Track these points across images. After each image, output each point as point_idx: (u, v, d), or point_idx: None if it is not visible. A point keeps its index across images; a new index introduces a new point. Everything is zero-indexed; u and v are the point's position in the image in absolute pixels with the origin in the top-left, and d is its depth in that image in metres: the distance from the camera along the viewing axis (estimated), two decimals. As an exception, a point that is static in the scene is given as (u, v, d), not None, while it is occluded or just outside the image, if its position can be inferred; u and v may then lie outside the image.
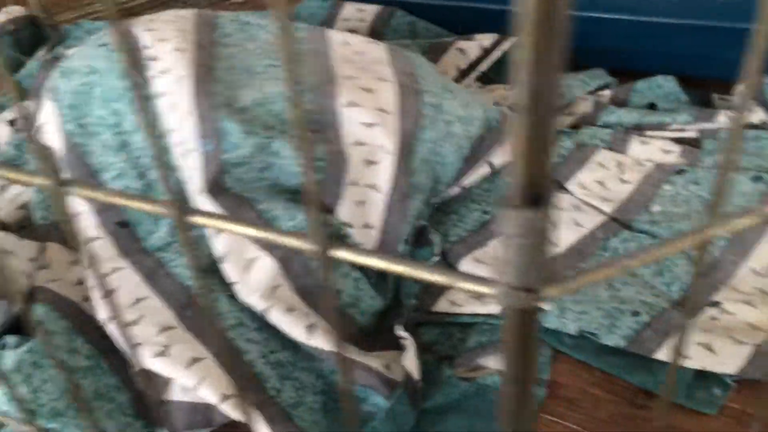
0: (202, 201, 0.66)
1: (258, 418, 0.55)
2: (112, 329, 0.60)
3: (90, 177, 0.73)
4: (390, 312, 0.69)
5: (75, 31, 1.20)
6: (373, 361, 0.62)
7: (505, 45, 0.98)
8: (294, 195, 0.70)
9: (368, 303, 0.67)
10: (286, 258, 0.64)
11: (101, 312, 0.62)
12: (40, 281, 0.65)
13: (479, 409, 0.62)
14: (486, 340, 0.68)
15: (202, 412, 0.58)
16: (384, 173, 0.72)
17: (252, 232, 0.22)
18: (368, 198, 0.72)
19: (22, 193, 0.81)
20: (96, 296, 0.63)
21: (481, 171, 0.81)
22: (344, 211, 0.71)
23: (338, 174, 0.71)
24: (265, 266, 0.62)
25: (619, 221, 0.78)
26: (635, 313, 0.66)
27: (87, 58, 0.78)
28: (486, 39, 0.98)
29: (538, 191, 0.18)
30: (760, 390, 0.61)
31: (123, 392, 0.61)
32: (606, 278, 0.21)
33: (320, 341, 0.59)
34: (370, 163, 0.73)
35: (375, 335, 0.67)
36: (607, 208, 0.79)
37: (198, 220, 0.22)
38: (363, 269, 0.69)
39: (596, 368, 0.65)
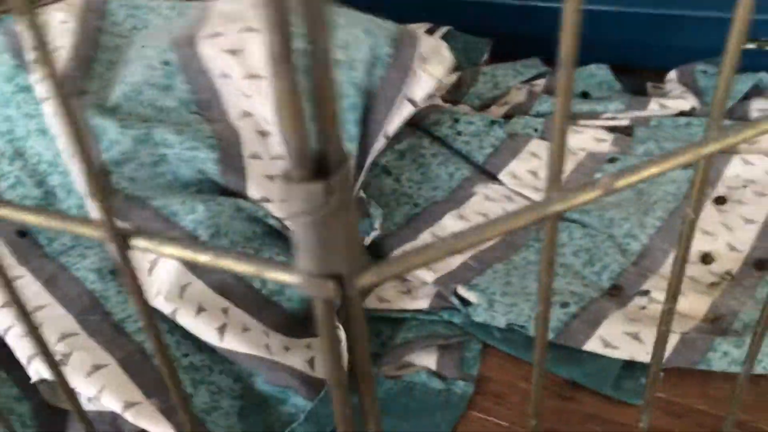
0: (90, 205, 0.62)
1: (166, 425, 0.52)
2: (10, 340, 0.56)
3: None
4: None
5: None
6: (297, 357, 0.60)
7: (438, 34, 0.97)
8: (198, 185, 0.67)
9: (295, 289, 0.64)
10: None
11: None
12: None
13: (407, 408, 0.60)
14: (413, 336, 0.66)
15: (109, 421, 0.55)
16: (280, 144, 0.70)
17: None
18: (277, 169, 0.69)
19: None
20: None
21: (404, 112, 0.73)
22: (255, 188, 0.68)
23: (235, 150, 0.68)
24: (168, 265, 0.58)
25: (551, 211, 0.77)
26: (564, 305, 0.65)
27: None
28: (419, 28, 0.97)
29: (323, 159, 0.16)
30: (686, 379, 0.60)
31: (24, 403, 0.58)
32: (427, 261, 0.19)
33: (233, 343, 0.56)
34: (264, 134, 0.70)
35: (305, 320, 0.65)
36: (539, 197, 0.78)
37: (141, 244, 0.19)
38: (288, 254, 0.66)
39: (525, 362, 0.64)
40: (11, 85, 0.70)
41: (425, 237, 0.74)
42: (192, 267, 0.59)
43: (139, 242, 0.20)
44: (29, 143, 0.69)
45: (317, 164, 0.16)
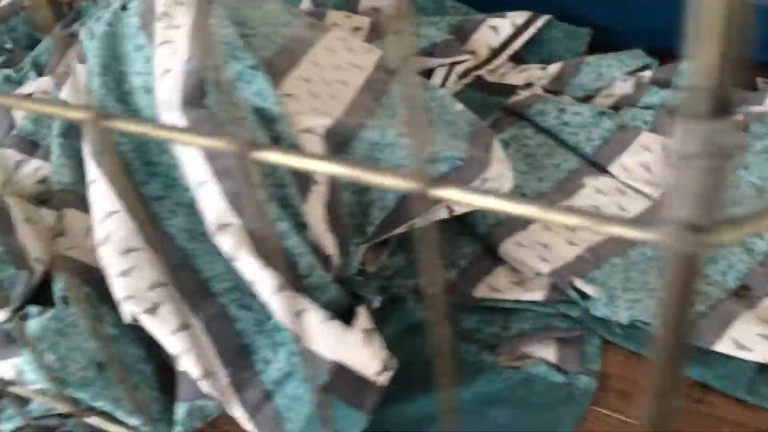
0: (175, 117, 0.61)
1: (236, 401, 0.52)
2: (110, 278, 0.56)
3: None
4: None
5: (91, 9, 1.17)
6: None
7: (538, 23, 0.94)
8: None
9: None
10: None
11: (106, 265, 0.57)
12: (59, 248, 0.61)
13: (526, 400, 0.59)
14: (530, 328, 0.64)
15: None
16: None
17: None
18: None
19: (41, 167, 0.77)
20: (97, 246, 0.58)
21: None
22: None
23: None
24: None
25: (666, 206, 0.74)
26: (690, 302, 0.62)
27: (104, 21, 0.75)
28: (518, 17, 0.94)
29: (726, 98, 0.14)
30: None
31: (148, 364, 0.58)
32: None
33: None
34: None
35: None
36: (653, 192, 0.75)
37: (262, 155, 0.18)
38: None
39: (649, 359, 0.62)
40: (131, 44, 0.71)
41: (535, 228, 0.72)
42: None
43: (260, 154, 0.19)
44: (133, 98, 0.69)
45: (721, 103, 0.14)
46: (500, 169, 0.68)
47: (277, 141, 0.63)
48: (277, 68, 0.67)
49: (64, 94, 0.81)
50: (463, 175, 0.68)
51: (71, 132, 0.74)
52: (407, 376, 0.62)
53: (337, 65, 0.71)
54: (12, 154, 0.80)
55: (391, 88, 0.72)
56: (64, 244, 0.62)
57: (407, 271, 0.71)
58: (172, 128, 0.21)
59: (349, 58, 0.73)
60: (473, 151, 0.68)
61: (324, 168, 0.19)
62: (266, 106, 0.62)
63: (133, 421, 0.53)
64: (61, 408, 0.38)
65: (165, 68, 0.65)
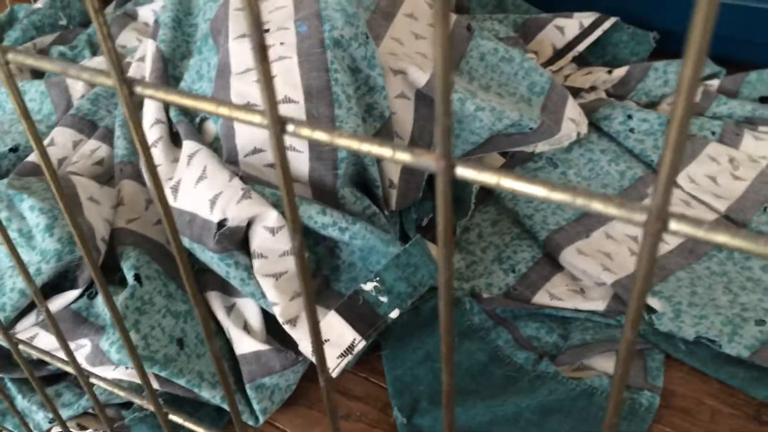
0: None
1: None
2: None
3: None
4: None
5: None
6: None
7: (605, 25, 0.92)
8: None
9: None
10: None
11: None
12: (119, 220, 0.61)
13: (587, 412, 0.57)
14: (590, 339, 0.63)
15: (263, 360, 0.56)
16: None
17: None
18: None
19: (99, 148, 0.77)
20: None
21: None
22: None
23: None
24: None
25: (734, 220, 0.72)
26: (760, 322, 0.60)
27: None
28: (586, 18, 0.92)
29: None
30: None
31: (219, 338, 0.58)
32: None
33: None
34: None
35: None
36: (720, 205, 0.73)
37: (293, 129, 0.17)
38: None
39: (713, 378, 0.60)
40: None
41: (597, 236, 0.71)
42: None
43: (293, 128, 0.19)
44: (199, 46, 0.70)
45: None
46: (568, 130, 0.76)
47: (371, 109, 0.64)
48: (374, 31, 0.68)
49: (132, 70, 0.81)
50: (528, 139, 0.74)
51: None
52: (463, 381, 0.61)
53: (419, 27, 0.73)
54: (70, 134, 0.80)
55: (472, 46, 0.74)
56: (124, 214, 0.62)
57: (466, 273, 0.70)
58: (201, 98, 0.21)
59: (429, 19, 0.74)
60: (545, 116, 0.74)
61: (353, 145, 0.19)
62: (372, 75, 0.63)
63: (217, 394, 0.53)
64: (133, 397, 0.37)
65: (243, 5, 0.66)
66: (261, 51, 0.18)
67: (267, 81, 0.19)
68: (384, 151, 0.19)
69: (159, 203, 0.24)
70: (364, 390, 0.62)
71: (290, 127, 0.20)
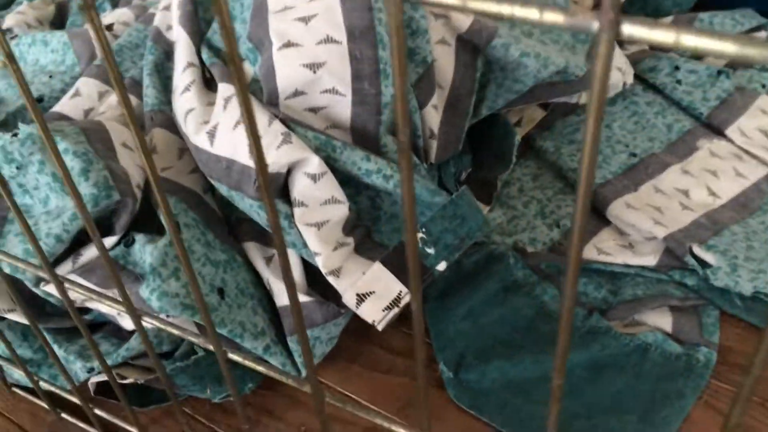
0: None
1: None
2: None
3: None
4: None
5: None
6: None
7: (648, -25, 0.88)
8: None
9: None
10: None
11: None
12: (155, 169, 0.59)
13: (641, 368, 0.55)
14: (642, 294, 0.60)
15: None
16: None
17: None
18: None
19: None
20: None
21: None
22: None
23: None
24: None
25: (788, 175, 0.69)
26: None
27: None
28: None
29: None
30: None
31: (259, 289, 0.56)
32: None
33: None
34: None
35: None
36: (772, 159, 0.70)
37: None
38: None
39: (771, 335, 0.58)
40: None
41: (646, 189, 0.68)
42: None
43: None
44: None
45: None
46: (614, 79, 0.74)
47: (413, 53, 0.61)
48: None
49: (158, 20, 0.78)
50: (573, 87, 0.71)
51: (165, 59, 0.72)
52: (509, 336, 0.59)
53: None
54: (95, 84, 0.77)
55: None
56: (157, 162, 0.60)
57: (508, 228, 0.68)
58: None
59: None
60: (590, 64, 0.70)
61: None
62: (415, 16, 0.60)
63: (259, 345, 0.52)
64: (184, 334, 0.35)
65: None
66: None
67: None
68: (529, 12, 0.16)
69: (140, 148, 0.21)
70: (407, 345, 0.60)
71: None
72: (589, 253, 0.64)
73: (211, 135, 0.56)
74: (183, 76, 0.63)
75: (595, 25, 0.15)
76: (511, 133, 0.72)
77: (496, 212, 0.70)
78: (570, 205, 0.69)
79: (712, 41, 0.14)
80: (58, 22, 0.98)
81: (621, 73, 0.75)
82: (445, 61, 0.66)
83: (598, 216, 0.67)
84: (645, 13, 0.91)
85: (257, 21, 0.60)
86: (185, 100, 0.61)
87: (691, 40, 0.15)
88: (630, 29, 0.15)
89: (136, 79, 0.76)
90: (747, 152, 0.71)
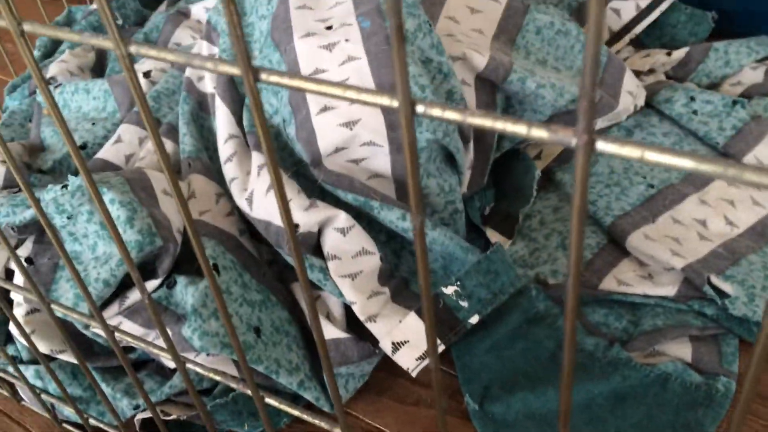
0: None
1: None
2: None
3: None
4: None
5: (195, -14, 1.19)
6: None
7: (663, 6, 0.90)
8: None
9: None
10: None
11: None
12: (192, 212, 0.63)
13: (661, 398, 0.57)
14: (662, 324, 0.62)
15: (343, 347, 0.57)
16: None
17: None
18: None
19: (164, 143, 0.79)
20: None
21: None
22: None
23: None
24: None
25: (805, 203, 0.70)
26: (839, 305, 0.59)
27: None
28: (642, -1, 0.91)
29: None
30: None
31: (294, 326, 0.59)
32: None
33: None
34: None
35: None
36: (791, 187, 0.71)
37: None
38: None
39: (791, 363, 0.59)
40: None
41: (664, 221, 0.70)
42: None
43: (422, 109, 0.20)
44: (258, 45, 0.71)
45: None
46: (626, 103, 0.77)
47: (451, 94, 0.64)
48: (428, 11, 0.68)
49: (189, 71, 0.82)
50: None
51: (199, 109, 0.76)
52: (532, 368, 0.61)
53: (475, 1, 0.74)
54: (135, 131, 0.82)
55: (528, 20, 0.75)
56: (196, 206, 0.64)
57: (530, 260, 0.70)
58: (325, 82, 0.21)
59: None
60: (603, 91, 0.75)
61: (486, 123, 0.19)
62: (442, 60, 0.63)
63: (294, 381, 0.55)
64: (221, 378, 0.38)
65: (302, 3, 0.66)
66: (398, 32, 0.19)
67: (401, 62, 0.19)
68: (518, 128, 0.19)
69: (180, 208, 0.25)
70: (434, 377, 0.62)
71: (420, 108, 0.20)
72: (610, 284, 0.66)
73: (249, 201, 0.61)
74: (225, 147, 0.67)
75: (574, 141, 0.18)
76: (531, 167, 0.74)
77: (518, 245, 0.72)
78: (590, 236, 0.71)
79: (672, 157, 0.17)
80: (98, 68, 1.04)
81: (632, 97, 0.77)
82: (467, 100, 0.69)
83: (617, 247, 0.69)
84: (662, 43, 0.93)
85: None
86: (228, 169, 0.65)
87: (654, 156, 0.17)
88: (603, 146, 0.18)
89: (173, 125, 0.80)
90: (764, 181, 0.73)
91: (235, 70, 0.23)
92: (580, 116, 0.18)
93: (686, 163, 0.17)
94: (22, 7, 1.29)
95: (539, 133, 0.18)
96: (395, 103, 0.20)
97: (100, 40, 0.26)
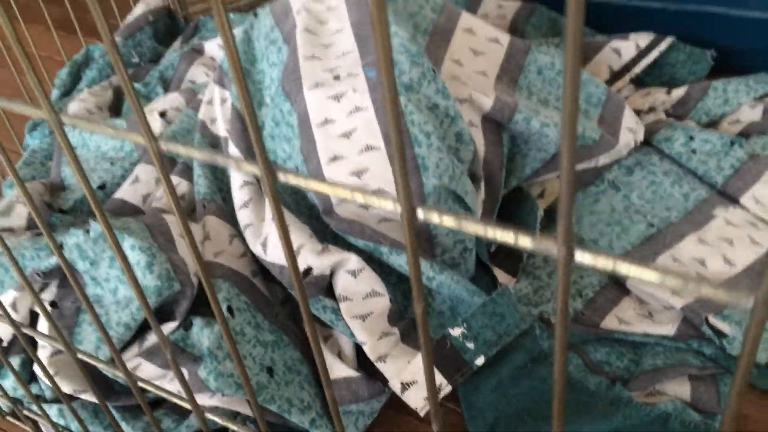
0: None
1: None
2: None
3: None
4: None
5: (209, 23, 1.22)
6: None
7: (662, 45, 0.93)
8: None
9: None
10: None
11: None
12: (207, 253, 0.66)
13: (661, 438, 0.59)
14: (662, 363, 0.64)
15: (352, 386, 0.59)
16: None
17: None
18: None
19: (179, 183, 0.82)
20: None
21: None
22: None
23: None
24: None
25: (803, 242, 0.72)
26: (835, 346, 0.61)
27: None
28: (642, 39, 0.93)
29: None
30: None
31: (305, 365, 0.62)
32: None
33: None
34: None
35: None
36: (787, 226, 0.73)
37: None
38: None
39: (788, 402, 0.60)
40: (266, 41, 0.76)
41: (663, 260, 0.72)
42: None
43: (422, 215, 0.22)
44: (267, 92, 0.74)
45: None
46: (626, 140, 0.80)
47: (461, 135, 0.67)
48: (432, 55, 0.71)
49: (202, 113, 0.85)
50: (591, 152, 0.78)
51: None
52: (537, 406, 0.63)
53: (477, 42, 0.76)
54: (151, 170, 0.85)
55: (529, 60, 0.77)
56: (210, 248, 0.67)
57: (534, 299, 0.72)
58: (337, 186, 0.24)
59: (487, 33, 0.77)
60: (603, 128, 0.78)
61: (479, 231, 0.21)
62: (449, 104, 0.66)
63: (306, 419, 0.57)
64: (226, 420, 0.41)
65: (311, 54, 0.69)
66: (398, 133, 0.21)
67: (402, 171, 0.22)
68: (507, 236, 0.21)
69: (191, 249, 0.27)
70: (441, 414, 0.64)
71: (420, 214, 0.23)
72: (611, 322, 0.68)
73: (264, 246, 0.63)
74: (240, 193, 0.70)
75: (554, 251, 0.20)
76: (534, 206, 0.77)
77: (521, 283, 0.74)
78: (591, 274, 0.73)
79: (640, 270, 0.20)
80: (116, 106, 1.07)
81: (632, 133, 0.79)
82: (476, 141, 0.71)
83: (618, 286, 0.71)
84: (662, 81, 0.95)
85: (305, 133, 0.67)
86: (244, 215, 0.68)
87: (624, 268, 0.20)
88: (581, 257, 0.20)
89: (188, 165, 0.83)
90: (761, 220, 0.75)
91: (255, 170, 0.25)
92: (559, 228, 0.20)
93: (651, 276, 0.19)
94: (39, 41, 1.33)
95: (525, 242, 0.21)
96: (398, 208, 0.23)
97: (134, 135, 0.28)
